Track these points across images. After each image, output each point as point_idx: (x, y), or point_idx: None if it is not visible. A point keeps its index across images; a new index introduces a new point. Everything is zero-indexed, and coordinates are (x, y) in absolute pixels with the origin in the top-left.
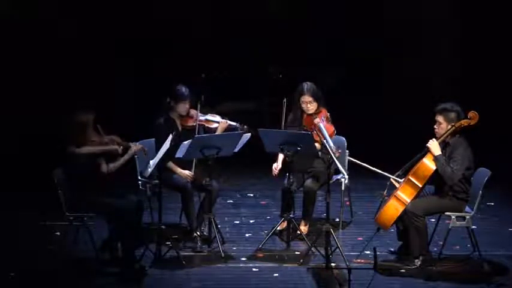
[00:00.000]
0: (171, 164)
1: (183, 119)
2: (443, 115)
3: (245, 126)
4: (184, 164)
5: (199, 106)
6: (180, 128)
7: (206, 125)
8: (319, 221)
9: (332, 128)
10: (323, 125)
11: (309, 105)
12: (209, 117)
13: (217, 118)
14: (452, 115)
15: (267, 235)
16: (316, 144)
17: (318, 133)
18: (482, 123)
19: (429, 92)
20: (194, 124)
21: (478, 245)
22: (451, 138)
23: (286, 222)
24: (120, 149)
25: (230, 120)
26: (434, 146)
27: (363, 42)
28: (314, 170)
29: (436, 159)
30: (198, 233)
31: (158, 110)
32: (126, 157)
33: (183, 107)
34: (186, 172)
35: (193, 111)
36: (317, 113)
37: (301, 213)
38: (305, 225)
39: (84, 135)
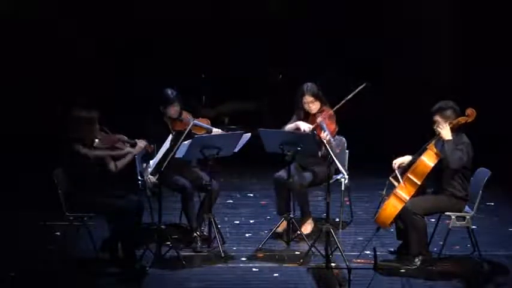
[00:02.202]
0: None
1: (175, 122)
2: (439, 114)
3: None
4: (183, 164)
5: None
6: (172, 133)
7: (193, 131)
8: (319, 221)
9: (333, 126)
10: (325, 123)
11: (311, 105)
12: (201, 123)
13: (207, 125)
14: (448, 112)
15: (267, 235)
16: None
17: (318, 132)
18: (482, 123)
19: (429, 92)
20: (184, 129)
21: (478, 245)
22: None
23: (286, 222)
24: (128, 148)
25: (228, 125)
26: (446, 131)
27: (363, 42)
28: (312, 167)
29: (447, 142)
30: (198, 233)
31: (152, 114)
32: (130, 156)
33: (172, 110)
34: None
35: (185, 114)
36: (320, 112)
37: (300, 213)
38: (309, 223)
39: (90, 132)
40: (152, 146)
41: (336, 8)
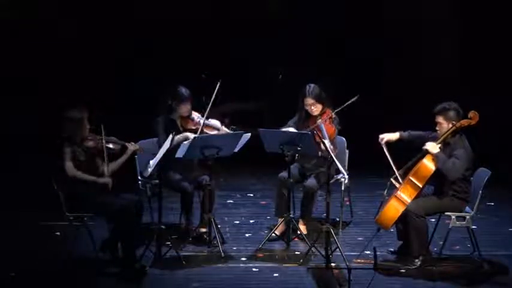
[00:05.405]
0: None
1: (184, 120)
2: (442, 115)
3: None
4: (183, 164)
5: (207, 110)
6: (181, 130)
7: (205, 130)
8: (319, 221)
9: (332, 129)
10: (324, 125)
11: (313, 107)
12: (210, 122)
13: (218, 124)
14: (451, 113)
15: (267, 235)
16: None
17: (318, 133)
18: (482, 123)
19: (429, 92)
20: (195, 128)
21: (478, 245)
22: (452, 138)
23: (284, 224)
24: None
25: (228, 125)
26: (431, 146)
27: (363, 42)
28: (315, 169)
29: (436, 157)
30: (197, 229)
31: (157, 111)
32: (123, 158)
33: (184, 108)
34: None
35: (194, 114)
36: (321, 114)
37: (300, 213)
38: (304, 224)
39: (79, 131)
40: (143, 148)
41: (335, 8)
